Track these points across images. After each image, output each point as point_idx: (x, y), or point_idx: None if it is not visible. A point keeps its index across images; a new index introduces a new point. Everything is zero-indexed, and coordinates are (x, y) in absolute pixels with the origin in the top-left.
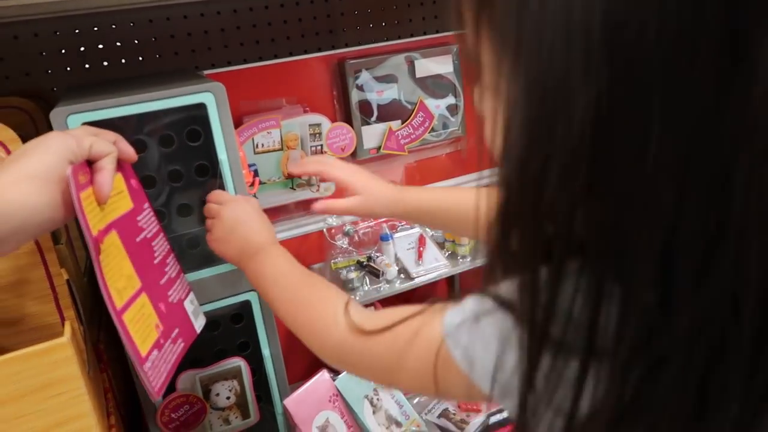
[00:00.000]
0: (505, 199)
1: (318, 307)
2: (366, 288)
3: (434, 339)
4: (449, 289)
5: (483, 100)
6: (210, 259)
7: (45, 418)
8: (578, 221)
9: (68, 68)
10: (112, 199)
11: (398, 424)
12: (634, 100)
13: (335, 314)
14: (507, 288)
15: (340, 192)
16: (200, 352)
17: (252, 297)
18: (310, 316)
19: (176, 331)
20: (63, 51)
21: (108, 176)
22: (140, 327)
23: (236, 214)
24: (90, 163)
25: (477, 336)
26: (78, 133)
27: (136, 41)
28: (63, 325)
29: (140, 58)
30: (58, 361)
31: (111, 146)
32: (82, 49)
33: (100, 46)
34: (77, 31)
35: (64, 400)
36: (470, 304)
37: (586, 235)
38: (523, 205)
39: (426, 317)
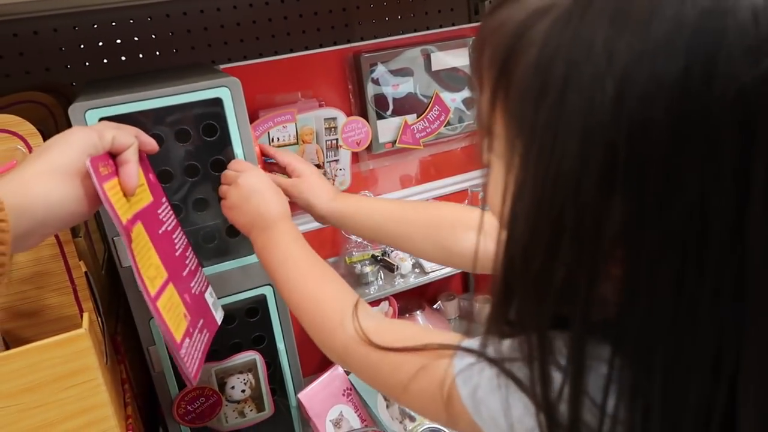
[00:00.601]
0: (508, 270)
1: (325, 304)
2: (380, 282)
3: (443, 375)
4: (463, 284)
5: (490, 159)
6: (226, 253)
7: (63, 408)
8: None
9: (87, 63)
10: (136, 191)
11: (411, 419)
12: (658, 209)
13: (343, 315)
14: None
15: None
16: (216, 346)
17: (267, 291)
18: (316, 311)
19: (201, 321)
20: (82, 46)
21: (134, 168)
22: (172, 315)
23: (253, 183)
24: (113, 157)
25: (486, 378)
26: (100, 127)
27: (153, 36)
28: (81, 316)
29: (157, 53)
30: (77, 352)
31: (132, 138)
32: (101, 44)
33: (118, 41)
34: (95, 26)
35: (82, 390)
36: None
37: (612, 322)
38: (524, 281)
39: (435, 353)
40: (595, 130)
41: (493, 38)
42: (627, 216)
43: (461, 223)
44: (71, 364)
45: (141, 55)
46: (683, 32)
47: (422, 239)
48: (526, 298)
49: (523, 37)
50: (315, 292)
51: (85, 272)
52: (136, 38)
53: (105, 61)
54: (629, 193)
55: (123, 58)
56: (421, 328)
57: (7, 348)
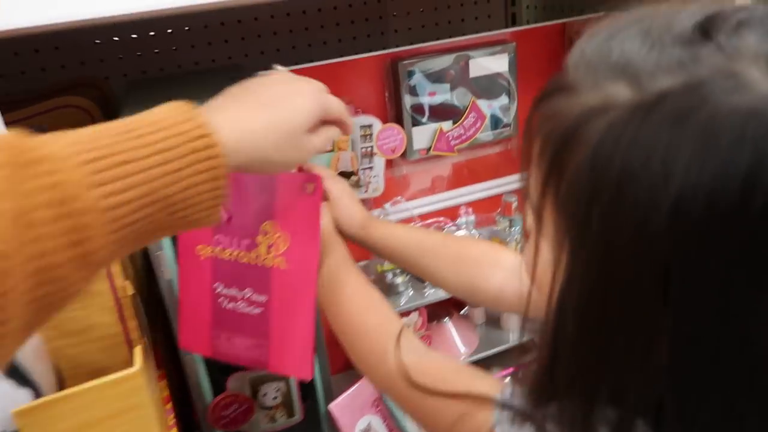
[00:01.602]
0: (553, 362)
1: (370, 335)
2: (410, 293)
3: (482, 425)
4: None
5: (538, 240)
6: None
7: None
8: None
9: (120, 56)
10: None
11: None
12: (708, 327)
13: (386, 346)
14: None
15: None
16: None
17: None
18: (361, 340)
19: None
20: (116, 39)
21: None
22: None
23: None
24: None
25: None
26: (327, 99)
27: (186, 28)
28: (126, 339)
29: (192, 46)
30: (130, 390)
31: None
32: (134, 36)
33: (151, 33)
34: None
35: (135, 426)
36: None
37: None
38: (570, 379)
39: (477, 402)
40: (647, 244)
41: (545, 127)
42: (676, 327)
43: (487, 261)
44: (125, 401)
45: (174, 48)
46: (745, 149)
47: (449, 274)
48: (571, 396)
49: (577, 133)
50: (360, 319)
51: (132, 294)
52: (169, 30)
53: (138, 54)
54: (680, 308)
55: (156, 51)
56: (463, 367)
57: (60, 375)
